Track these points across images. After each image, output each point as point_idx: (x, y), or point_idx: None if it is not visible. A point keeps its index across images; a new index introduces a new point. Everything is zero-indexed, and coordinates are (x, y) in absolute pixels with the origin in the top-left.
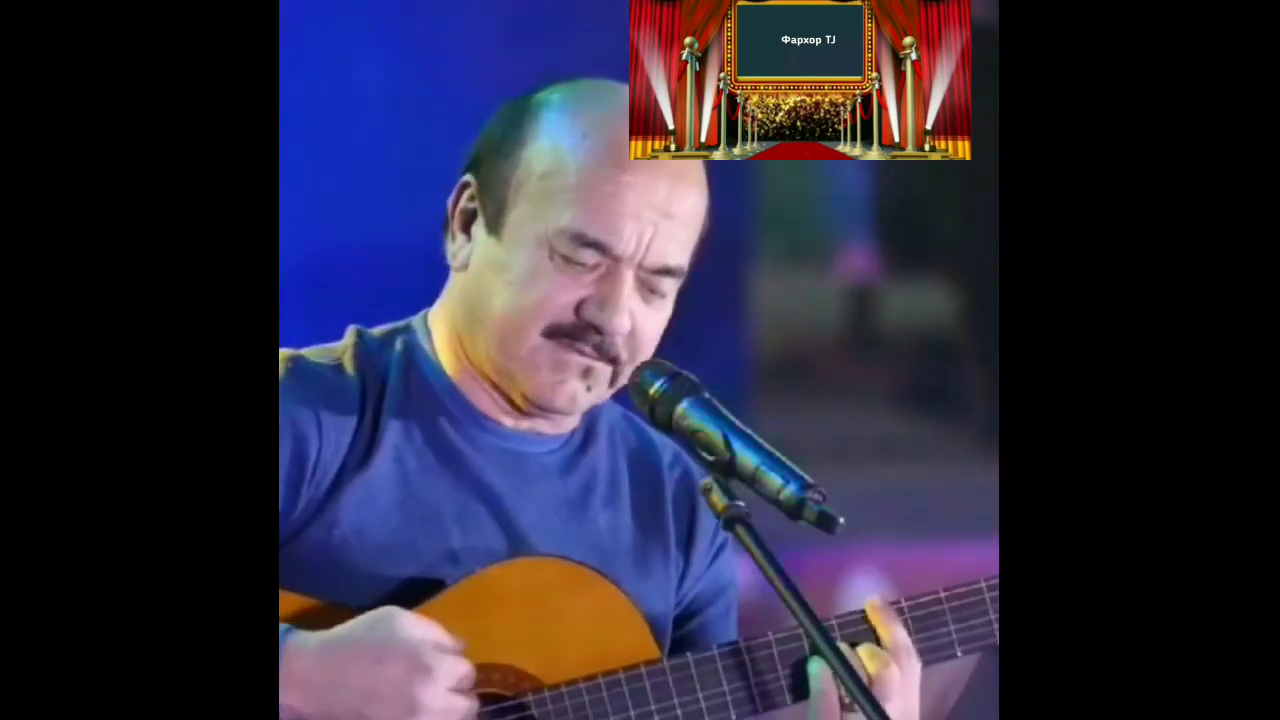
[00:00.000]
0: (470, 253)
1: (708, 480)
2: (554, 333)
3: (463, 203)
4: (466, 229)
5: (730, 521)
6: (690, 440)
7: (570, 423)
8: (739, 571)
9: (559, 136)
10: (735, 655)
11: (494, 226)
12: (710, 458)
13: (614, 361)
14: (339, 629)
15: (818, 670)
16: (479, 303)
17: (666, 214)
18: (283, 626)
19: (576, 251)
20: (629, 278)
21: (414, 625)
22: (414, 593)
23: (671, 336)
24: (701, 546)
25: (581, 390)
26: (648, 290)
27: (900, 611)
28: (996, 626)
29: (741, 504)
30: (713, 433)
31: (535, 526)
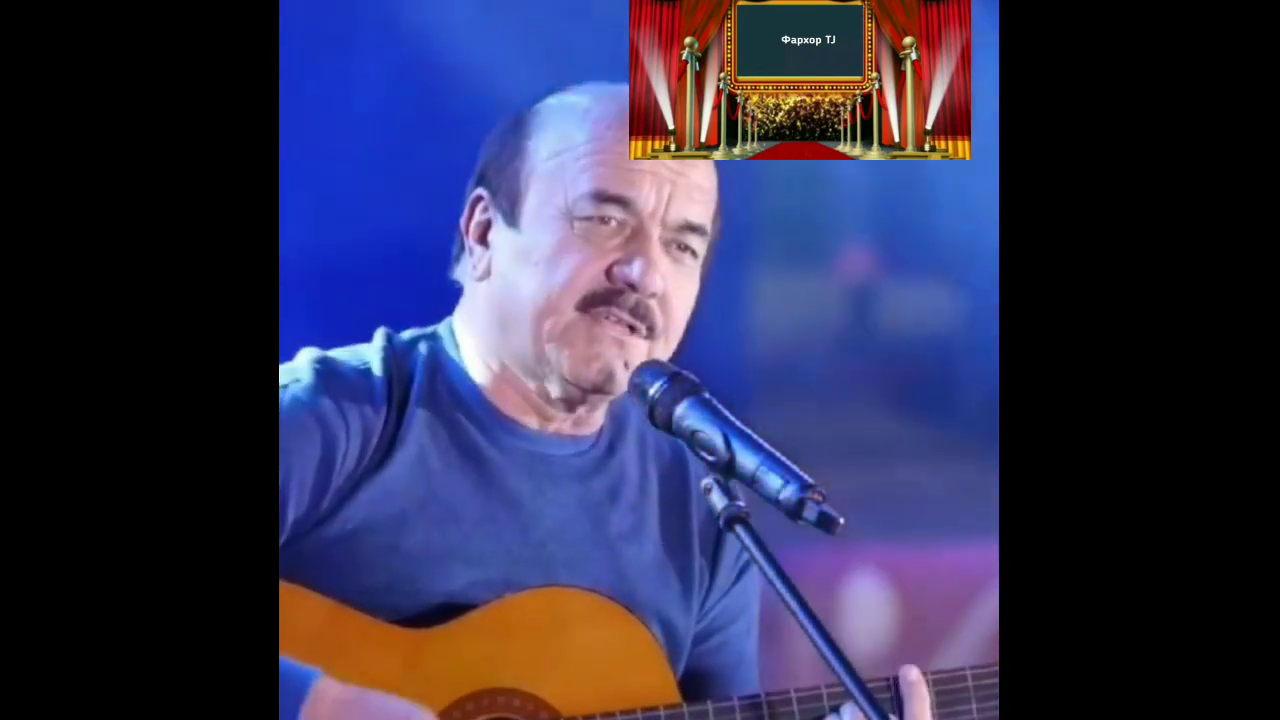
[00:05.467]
0: (490, 259)
1: (708, 480)
2: (588, 303)
3: (477, 215)
4: (484, 239)
5: (730, 521)
6: (690, 440)
7: (597, 420)
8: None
9: (563, 119)
10: (755, 708)
11: (511, 219)
12: (710, 458)
13: (650, 330)
14: (372, 692)
15: None
16: (508, 297)
17: (681, 173)
18: (310, 670)
19: (599, 209)
20: (655, 234)
21: None
22: (420, 591)
23: None
24: (727, 561)
25: (619, 365)
26: (675, 249)
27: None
28: None
29: (742, 504)
30: (713, 433)
31: (555, 531)
